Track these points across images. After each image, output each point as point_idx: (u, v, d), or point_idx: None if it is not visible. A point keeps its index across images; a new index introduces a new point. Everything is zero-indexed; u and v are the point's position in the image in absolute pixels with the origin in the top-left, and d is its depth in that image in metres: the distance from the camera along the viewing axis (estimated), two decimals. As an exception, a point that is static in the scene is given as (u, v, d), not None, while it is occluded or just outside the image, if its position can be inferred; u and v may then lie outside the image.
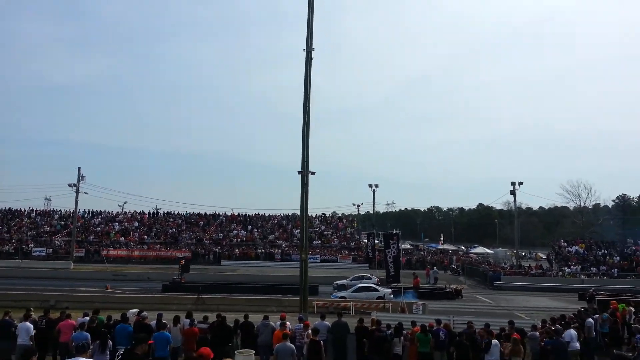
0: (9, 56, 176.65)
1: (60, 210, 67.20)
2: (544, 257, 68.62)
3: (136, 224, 64.89)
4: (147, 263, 53.15)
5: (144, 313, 15.01)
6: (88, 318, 14.21)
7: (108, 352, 10.57)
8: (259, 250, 58.09)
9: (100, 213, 66.99)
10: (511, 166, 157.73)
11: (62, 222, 63.67)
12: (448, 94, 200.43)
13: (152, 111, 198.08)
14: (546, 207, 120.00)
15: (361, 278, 36.01)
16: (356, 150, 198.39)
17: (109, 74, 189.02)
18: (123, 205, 75.37)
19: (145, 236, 61.35)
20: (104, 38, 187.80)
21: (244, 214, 69.08)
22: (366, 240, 51.93)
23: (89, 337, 11.68)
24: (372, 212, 72.91)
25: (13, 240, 57.96)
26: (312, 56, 19.08)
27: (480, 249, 79.16)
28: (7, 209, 66.26)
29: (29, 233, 60.55)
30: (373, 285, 31.08)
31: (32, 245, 56.64)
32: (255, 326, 14.39)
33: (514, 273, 45.80)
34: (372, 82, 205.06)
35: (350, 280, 35.67)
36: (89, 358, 6.71)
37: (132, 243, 59.23)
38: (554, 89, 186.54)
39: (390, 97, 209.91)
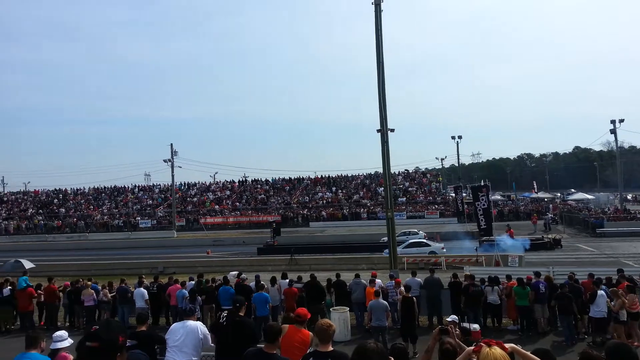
0: (101, 41, 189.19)
1: (160, 185, 72.42)
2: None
3: (228, 192, 68.23)
4: (241, 228, 56.03)
5: (243, 275, 15.89)
6: (194, 282, 15.35)
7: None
8: (345, 211, 58.85)
9: (195, 184, 71.19)
10: (609, 101, 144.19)
11: (162, 195, 68.53)
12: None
13: (232, 84, 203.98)
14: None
15: (407, 234, 35.61)
16: (436, 102, 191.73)
17: (192, 52, 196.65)
18: (214, 175, 79.37)
19: (237, 203, 64.43)
20: (182, 19, 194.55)
21: (327, 176, 70.03)
22: (453, 194, 50.62)
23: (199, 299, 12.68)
24: (457, 164, 70.64)
25: (121, 215, 63.55)
26: (382, 8, 18.46)
27: (579, 195, 73.98)
28: (112, 186, 72.54)
29: (134, 207, 65.99)
30: (424, 241, 30.88)
31: (139, 218, 61.69)
32: (348, 284, 14.72)
33: (618, 218, 42.53)
34: (447, 25, 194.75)
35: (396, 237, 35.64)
36: (196, 321, 7.20)
37: (226, 210, 62.52)
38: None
39: (466, 39, 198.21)
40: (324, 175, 70.32)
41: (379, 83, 18.40)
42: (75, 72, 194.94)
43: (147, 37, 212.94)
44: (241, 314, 7.56)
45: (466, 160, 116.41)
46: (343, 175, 69.70)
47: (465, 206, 44.28)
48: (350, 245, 34.31)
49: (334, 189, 66.04)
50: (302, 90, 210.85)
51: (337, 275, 15.37)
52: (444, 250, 28.50)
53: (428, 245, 29.60)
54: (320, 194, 64.91)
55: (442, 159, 73.28)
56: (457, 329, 6.07)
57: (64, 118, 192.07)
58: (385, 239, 34.95)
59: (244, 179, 72.91)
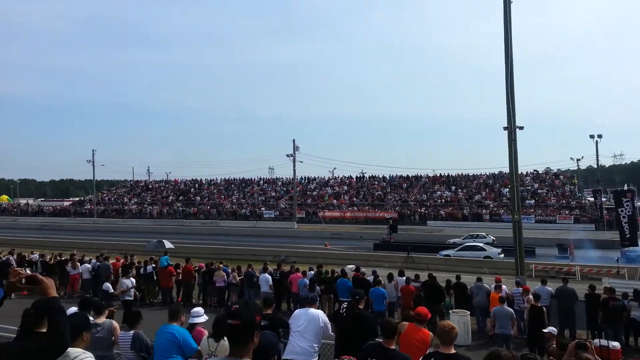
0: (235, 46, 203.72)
1: (282, 178, 76.04)
2: None
3: (345, 187, 69.34)
4: (357, 223, 56.53)
5: (363, 269, 16.05)
6: (313, 272, 15.88)
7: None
8: (465, 211, 56.47)
9: (315, 179, 73.48)
10: None
11: (285, 188, 71.83)
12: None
13: (348, 82, 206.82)
14: None
15: (475, 237, 33.24)
16: (571, 97, 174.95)
17: (311, 53, 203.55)
18: (333, 170, 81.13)
19: (355, 199, 65.17)
20: (304, 23, 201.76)
21: (446, 174, 67.77)
22: (591, 199, 45.81)
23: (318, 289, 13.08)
24: (595, 166, 63.80)
25: (248, 205, 67.88)
26: (511, 0, 17.31)
27: None
28: (241, 178, 77.82)
29: (259, 198, 70.10)
30: (480, 244, 29.37)
31: (263, 208, 65.38)
32: (468, 287, 14.13)
33: None
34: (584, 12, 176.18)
35: (463, 239, 33.34)
36: (318, 310, 7.42)
37: (343, 205, 63.61)
38: None
39: (607, 28, 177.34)
40: (442, 174, 68.21)
41: (507, 78, 17.31)
42: (221, 74, 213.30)
43: (278, 39, 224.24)
44: (360, 306, 7.63)
45: (606, 161, 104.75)
46: (463, 174, 66.96)
47: (605, 212, 39.94)
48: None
49: (453, 187, 63.70)
50: (420, 87, 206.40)
51: (457, 277, 14.83)
52: (502, 255, 27.29)
53: (483, 249, 28.59)
54: (438, 193, 63.05)
55: (577, 160, 66.84)
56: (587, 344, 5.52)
57: (207, 116, 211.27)
58: (453, 240, 33.40)
59: (361, 175, 73.50)
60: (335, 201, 65.19)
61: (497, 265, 24.60)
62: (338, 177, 75.15)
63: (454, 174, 67.19)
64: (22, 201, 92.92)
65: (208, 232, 49.10)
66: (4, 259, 20.29)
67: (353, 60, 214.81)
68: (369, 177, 71.83)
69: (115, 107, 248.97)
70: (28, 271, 2.82)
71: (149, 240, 32.77)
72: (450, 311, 12.84)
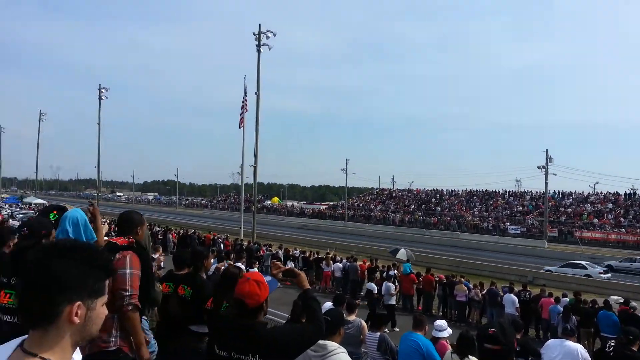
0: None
1: (531, 192, 69.85)
2: None
3: (610, 205, 59.65)
4: (625, 248, 47.89)
5: (633, 303, 13.56)
6: (568, 299, 14.14)
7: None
8: None
9: (571, 194, 65.38)
10: None
11: (533, 203, 65.92)
12: None
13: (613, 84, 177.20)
14: None
15: None
16: None
17: (566, 54, 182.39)
18: (594, 185, 70.75)
19: (622, 219, 55.47)
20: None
21: None
22: None
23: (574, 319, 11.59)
24: None
25: (490, 218, 64.63)
26: None
27: None
28: (484, 190, 74.66)
29: (503, 212, 66.00)
30: (582, 263, 29.14)
31: (507, 223, 61.31)
32: None
33: None
34: None
35: None
36: (576, 343, 6.58)
37: (607, 225, 54.83)
38: None
39: None
40: None
41: None
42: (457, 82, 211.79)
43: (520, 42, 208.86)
44: (634, 348, 6.45)
45: None
46: None
47: None
48: None
49: None
50: None
51: None
52: (603, 275, 27.11)
53: (584, 267, 28.35)
54: None
55: None
56: None
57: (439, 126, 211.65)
58: None
59: (631, 192, 62.04)
60: (596, 220, 56.63)
61: None
62: (601, 192, 65.19)
63: None
64: (289, 203, 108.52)
65: (447, 244, 48.57)
66: (274, 252, 24.07)
67: (621, 60, 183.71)
68: (644, 195, 60.14)
69: (367, 119, 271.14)
70: (291, 264, 3.35)
71: (392, 246, 34.13)
72: None
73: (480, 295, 15.69)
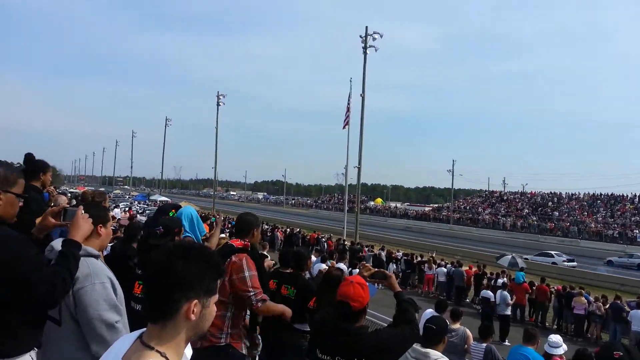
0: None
1: (666, 196, 62.03)
2: None
3: None
4: None
5: None
6: None
7: None
8: None
9: None
10: None
11: (669, 209, 58.53)
12: None
13: None
14: None
15: None
16: None
17: None
18: None
19: None
20: None
21: None
22: None
23: None
24: None
25: (616, 225, 58.43)
26: None
27: None
28: (609, 194, 67.72)
29: (632, 219, 59.31)
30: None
31: (637, 231, 55.03)
32: None
33: None
34: None
35: None
36: None
37: None
38: None
39: None
40: None
41: None
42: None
43: None
44: None
45: None
46: None
47: None
48: None
49: None
50: None
51: None
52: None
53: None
54: None
55: None
56: None
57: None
58: None
59: None
60: None
61: None
62: None
63: None
64: (392, 204, 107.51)
65: (565, 252, 44.81)
66: (376, 253, 24.01)
67: None
68: None
69: (474, 118, 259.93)
70: (393, 267, 3.49)
71: (501, 253, 32.37)
72: None
73: (602, 309, 14.29)
